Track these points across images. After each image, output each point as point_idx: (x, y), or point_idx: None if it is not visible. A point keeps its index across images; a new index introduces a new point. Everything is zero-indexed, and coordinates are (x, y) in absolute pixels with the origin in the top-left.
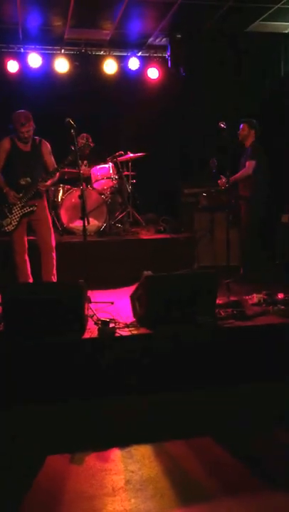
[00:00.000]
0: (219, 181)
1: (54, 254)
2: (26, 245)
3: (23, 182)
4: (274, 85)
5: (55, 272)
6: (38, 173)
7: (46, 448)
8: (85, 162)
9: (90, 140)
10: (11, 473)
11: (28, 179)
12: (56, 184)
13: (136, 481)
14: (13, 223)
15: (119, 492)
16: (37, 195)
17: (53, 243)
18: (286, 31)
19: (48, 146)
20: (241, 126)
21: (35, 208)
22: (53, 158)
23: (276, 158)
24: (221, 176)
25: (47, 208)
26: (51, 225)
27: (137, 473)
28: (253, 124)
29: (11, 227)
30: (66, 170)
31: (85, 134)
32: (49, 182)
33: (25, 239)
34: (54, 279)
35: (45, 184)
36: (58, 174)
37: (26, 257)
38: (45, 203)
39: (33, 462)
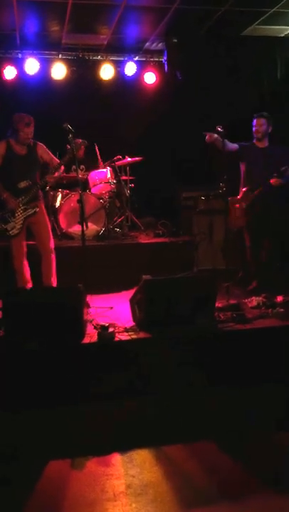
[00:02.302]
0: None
1: (53, 257)
2: (25, 250)
3: (22, 185)
4: (270, 89)
5: (55, 274)
6: (35, 176)
7: (47, 453)
8: (82, 167)
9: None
10: (13, 478)
11: (28, 181)
12: (55, 188)
13: (136, 485)
14: (18, 226)
15: (120, 497)
16: (36, 198)
17: (52, 245)
18: (282, 35)
19: (43, 146)
20: (259, 121)
21: (38, 209)
22: (51, 153)
23: None
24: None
25: (45, 210)
26: (50, 228)
27: (138, 477)
28: (271, 119)
29: (15, 231)
30: (64, 175)
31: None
32: (56, 174)
33: (24, 243)
34: (54, 281)
35: (53, 176)
36: (62, 168)
37: (25, 262)
38: (43, 205)
39: (34, 467)
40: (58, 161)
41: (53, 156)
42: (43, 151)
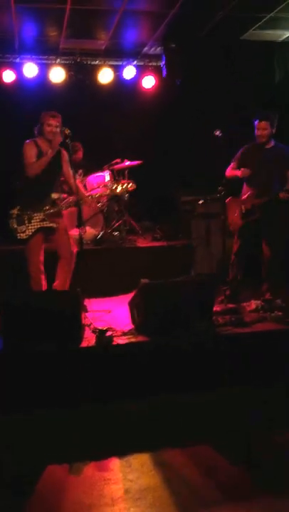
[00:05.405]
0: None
1: (74, 261)
2: (42, 256)
3: (55, 196)
4: (268, 93)
5: (69, 280)
6: (58, 187)
7: (45, 457)
8: (80, 172)
9: (80, 146)
10: (10, 482)
11: (62, 196)
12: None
13: (135, 490)
14: (27, 233)
15: (118, 502)
16: (59, 215)
17: (73, 249)
18: (280, 39)
19: (66, 155)
20: (262, 124)
21: (55, 226)
22: (70, 167)
23: None
24: None
25: (65, 224)
26: (69, 234)
27: (136, 482)
28: (275, 118)
29: (23, 236)
30: (62, 179)
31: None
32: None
33: (42, 249)
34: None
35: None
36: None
37: (42, 268)
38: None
39: (32, 472)
40: (80, 186)
41: (71, 173)
42: (65, 161)
